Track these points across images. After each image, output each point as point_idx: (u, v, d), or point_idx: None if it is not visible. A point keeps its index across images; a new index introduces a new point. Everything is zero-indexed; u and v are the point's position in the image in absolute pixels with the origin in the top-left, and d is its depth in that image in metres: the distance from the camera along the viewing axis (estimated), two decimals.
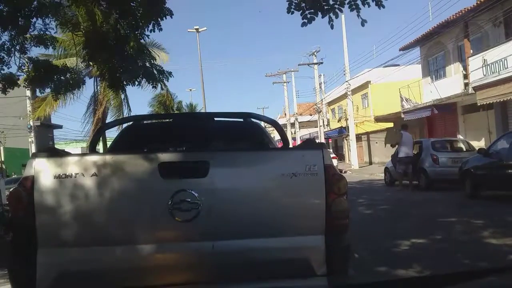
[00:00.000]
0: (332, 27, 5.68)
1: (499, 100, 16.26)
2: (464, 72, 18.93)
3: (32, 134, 34.78)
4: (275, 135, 17.96)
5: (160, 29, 7.09)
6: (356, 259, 5.63)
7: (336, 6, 5.43)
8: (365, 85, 33.61)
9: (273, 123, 3.96)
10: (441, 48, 21.80)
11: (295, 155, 2.74)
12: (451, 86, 20.09)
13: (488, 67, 16.16)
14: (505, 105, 17.28)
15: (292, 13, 5.52)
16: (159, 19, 6.75)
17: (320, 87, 39.93)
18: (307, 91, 70.08)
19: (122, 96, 20.80)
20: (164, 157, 2.56)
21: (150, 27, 7.21)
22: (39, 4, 6.97)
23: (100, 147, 19.34)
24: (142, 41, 8.50)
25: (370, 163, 33.43)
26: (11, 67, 8.82)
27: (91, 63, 10.02)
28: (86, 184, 2.43)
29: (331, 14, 5.49)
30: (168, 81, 9.15)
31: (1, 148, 29.78)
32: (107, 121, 19.92)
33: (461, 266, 5.10)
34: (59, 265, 2.40)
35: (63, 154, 2.61)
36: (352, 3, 5.44)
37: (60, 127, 43.55)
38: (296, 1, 5.46)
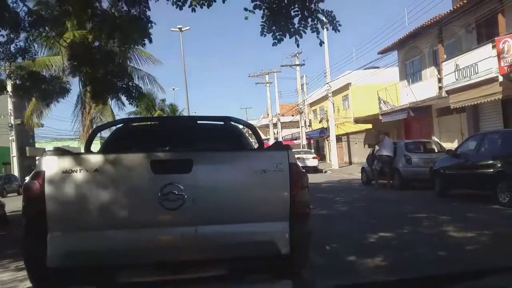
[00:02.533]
0: (298, 46, 6.64)
1: (470, 104, 17.00)
2: (439, 76, 19.59)
3: (13, 132, 34.56)
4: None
5: (143, 45, 7.71)
6: (327, 250, 6.16)
7: (301, 28, 6.37)
8: (345, 87, 34.32)
9: (250, 127, 4.43)
10: (417, 52, 22.51)
11: (265, 155, 3.25)
12: (426, 90, 20.78)
13: (460, 72, 16.82)
14: (476, 109, 18.04)
15: (265, 35, 6.44)
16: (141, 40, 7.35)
17: (302, 88, 40.58)
18: (290, 92, 70.93)
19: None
20: (155, 156, 3.03)
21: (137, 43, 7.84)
22: (37, 17, 7.31)
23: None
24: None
25: (350, 163, 34.15)
26: (0, 74, 9.18)
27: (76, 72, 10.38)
28: (89, 179, 2.86)
29: (297, 36, 6.46)
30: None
31: None
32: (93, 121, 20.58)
33: (422, 256, 5.65)
34: (67, 245, 2.83)
35: (70, 153, 3.04)
36: (314, 27, 6.39)
37: (41, 126, 43.12)
38: (267, 26, 6.36)
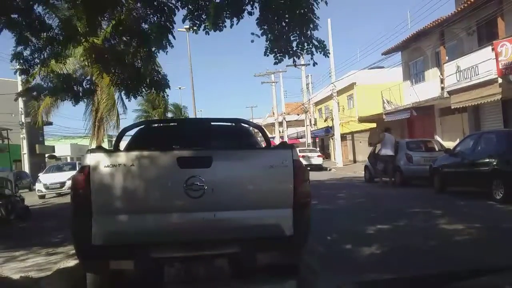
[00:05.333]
0: (295, 65, 7.97)
1: (471, 104, 17.45)
2: (441, 77, 19.96)
3: (24, 130, 35.25)
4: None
5: (166, 52, 8.52)
6: (328, 240, 6.71)
7: (298, 51, 7.63)
8: (350, 87, 34.74)
9: (259, 128, 5.01)
10: (420, 54, 22.92)
11: (273, 153, 3.86)
12: (429, 90, 21.21)
13: (461, 73, 17.25)
14: (477, 109, 18.46)
15: (268, 55, 7.64)
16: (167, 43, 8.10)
17: (308, 88, 41.04)
18: (295, 91, 71.48)
19: (116, 96, 21.84)
20: (181, 153, 3.61)
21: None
22: (71, 35, 8.02)
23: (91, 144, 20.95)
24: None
25: (354, 161, 34.62)
26: (35, 78, 9.82)
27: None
28: (126, 172, 3.44)
29: (295, 57, 7.81)
30: (169, 88, 10.34)
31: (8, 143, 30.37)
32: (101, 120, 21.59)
33: (413, 244, 6.18)
34: (109, 226, 3.42)
35: (109, 151, 3.63)
36: (309, 50, 7.59)
37: (50, 124, 43.77)
38: (270, 48, 7.61)
